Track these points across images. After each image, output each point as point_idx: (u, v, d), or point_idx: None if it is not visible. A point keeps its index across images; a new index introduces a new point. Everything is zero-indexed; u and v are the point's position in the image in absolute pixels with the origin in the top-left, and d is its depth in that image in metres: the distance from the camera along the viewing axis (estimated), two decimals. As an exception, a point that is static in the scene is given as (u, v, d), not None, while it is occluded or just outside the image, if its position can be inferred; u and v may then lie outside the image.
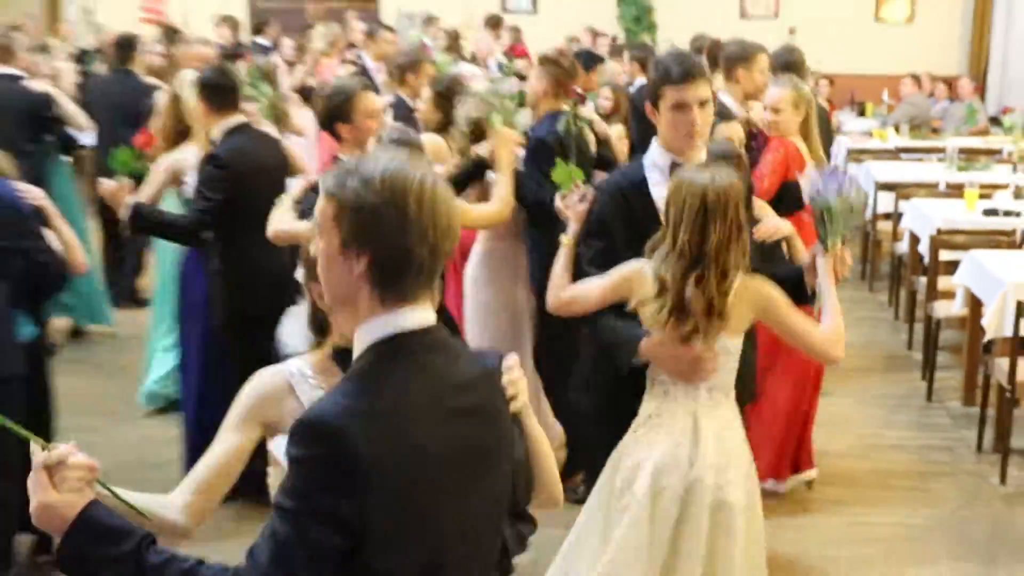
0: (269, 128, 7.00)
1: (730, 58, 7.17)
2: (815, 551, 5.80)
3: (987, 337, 6.93)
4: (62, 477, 2.25)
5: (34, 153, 8.16)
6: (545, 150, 5.91)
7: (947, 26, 18.94)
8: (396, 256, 2.19)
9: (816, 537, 5.94)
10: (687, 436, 3.96)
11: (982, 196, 9.11)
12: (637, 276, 3.94)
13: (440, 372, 2.27)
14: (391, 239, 2.18)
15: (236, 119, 6.10)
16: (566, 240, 4.31)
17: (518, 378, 2.53)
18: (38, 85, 8.69)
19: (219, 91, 6.10)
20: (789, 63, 7.28)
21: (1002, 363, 6.67)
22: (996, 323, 6.72)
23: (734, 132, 5.85)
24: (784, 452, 6.29)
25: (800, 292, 4.14)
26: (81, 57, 12.75)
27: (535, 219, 5.96)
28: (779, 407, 6.15)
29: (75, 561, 2.22)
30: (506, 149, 5.60)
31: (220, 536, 4.41)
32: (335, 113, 5.22)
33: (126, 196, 5.78)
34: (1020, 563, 5.77)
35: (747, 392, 4.33)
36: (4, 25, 15.91)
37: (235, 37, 13.56)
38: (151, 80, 9.39)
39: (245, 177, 5.84)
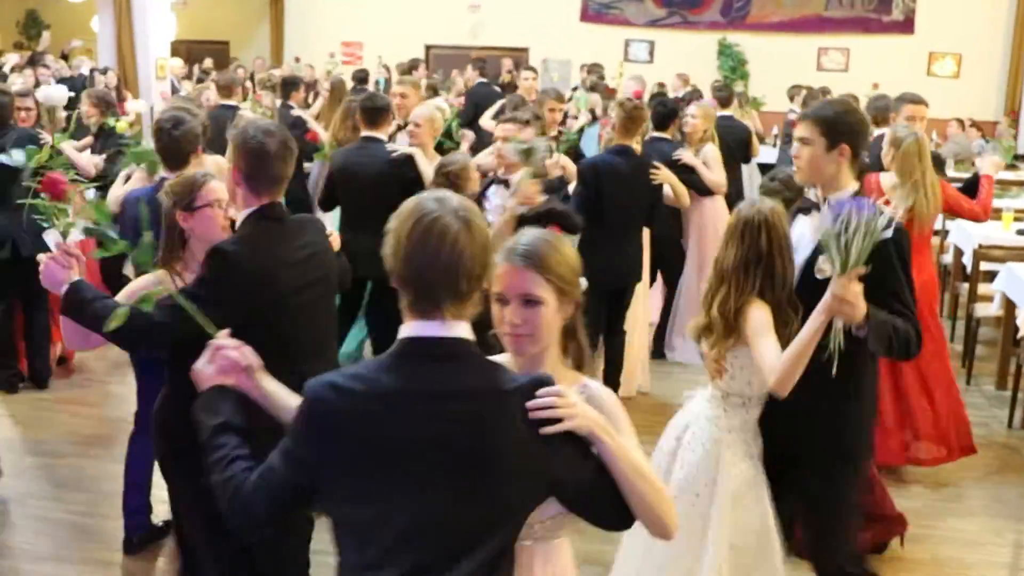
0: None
1: (877, 110, 7.25)
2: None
3: (1021, 334, 6.69)
4: (215, 357, 2.57)
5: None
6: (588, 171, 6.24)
7: (986, 80, 18.32)
8: (396, 274, 2.17)
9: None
10: (687, 412, 3.79)
11: (1016, 219, 8.85)
12: None
13: (430, 378, 2.12)
14: (392, 260, 2.17)
15: (372, 133, 6.40)
16: None
17: (554, 403, 2.13)
18: (248, 114, 8.71)
19: (370, 111, 6.44)
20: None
21: (1032, 355, 6.44)
22: (1028, 322, 6.49)
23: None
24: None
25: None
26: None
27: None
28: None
29: (196, 414, 2.48)
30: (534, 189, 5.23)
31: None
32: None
33: None
34: (1044, 521, 5.50)
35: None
36: (237, 63, 16.23)
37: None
38: (300, 112, 9.58)
39: (337, 174, 6.38)
